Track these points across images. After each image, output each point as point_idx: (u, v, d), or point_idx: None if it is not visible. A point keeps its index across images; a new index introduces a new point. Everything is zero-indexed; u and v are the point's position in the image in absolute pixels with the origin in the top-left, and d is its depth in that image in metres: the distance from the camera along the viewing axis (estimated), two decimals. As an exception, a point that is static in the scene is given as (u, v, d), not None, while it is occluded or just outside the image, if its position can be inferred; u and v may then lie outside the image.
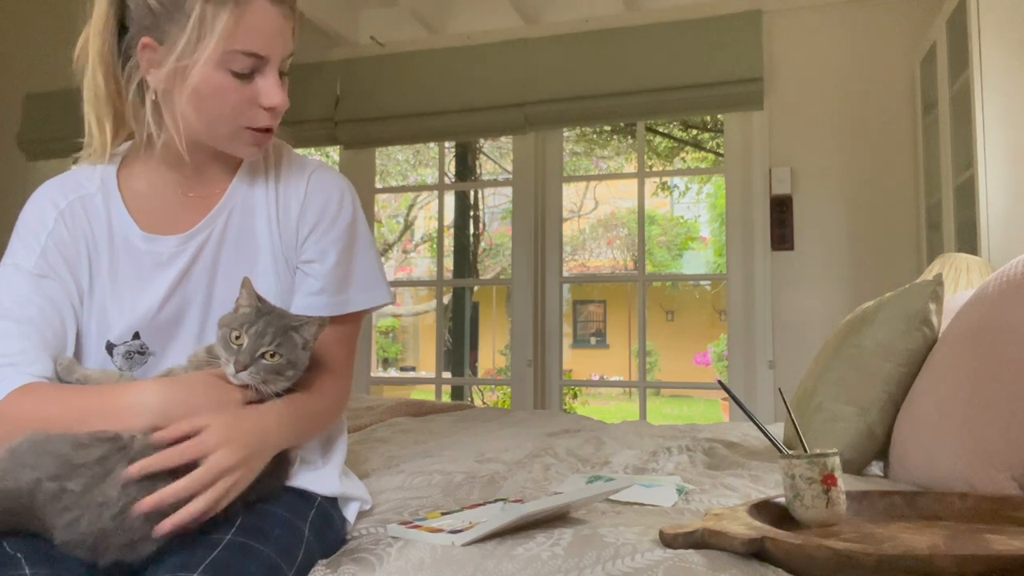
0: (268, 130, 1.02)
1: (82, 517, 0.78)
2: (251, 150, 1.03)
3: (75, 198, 1.03)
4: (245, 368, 0.91)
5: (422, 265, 12.47)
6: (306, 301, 1.06)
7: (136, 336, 1.01)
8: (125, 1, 0.97)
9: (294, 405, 0.97)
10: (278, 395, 0.95)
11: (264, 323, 0.93)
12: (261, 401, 0.94)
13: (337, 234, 1.08)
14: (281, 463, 0.99)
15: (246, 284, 0.96)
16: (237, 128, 0.99)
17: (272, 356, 0.92)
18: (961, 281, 2.09)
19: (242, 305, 0.96)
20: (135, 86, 0.98)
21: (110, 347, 1.01)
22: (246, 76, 0.96)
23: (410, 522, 1.02)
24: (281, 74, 1.01)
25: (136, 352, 1.01)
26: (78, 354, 1.01)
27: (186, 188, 1.06)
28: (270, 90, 0.98)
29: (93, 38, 0.99)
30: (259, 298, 0.96)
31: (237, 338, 0.92)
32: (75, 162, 1.08)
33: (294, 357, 0.94)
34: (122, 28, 0.99)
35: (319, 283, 1.06)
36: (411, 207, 11.33)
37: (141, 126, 1.01)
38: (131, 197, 1.05)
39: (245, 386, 0.93)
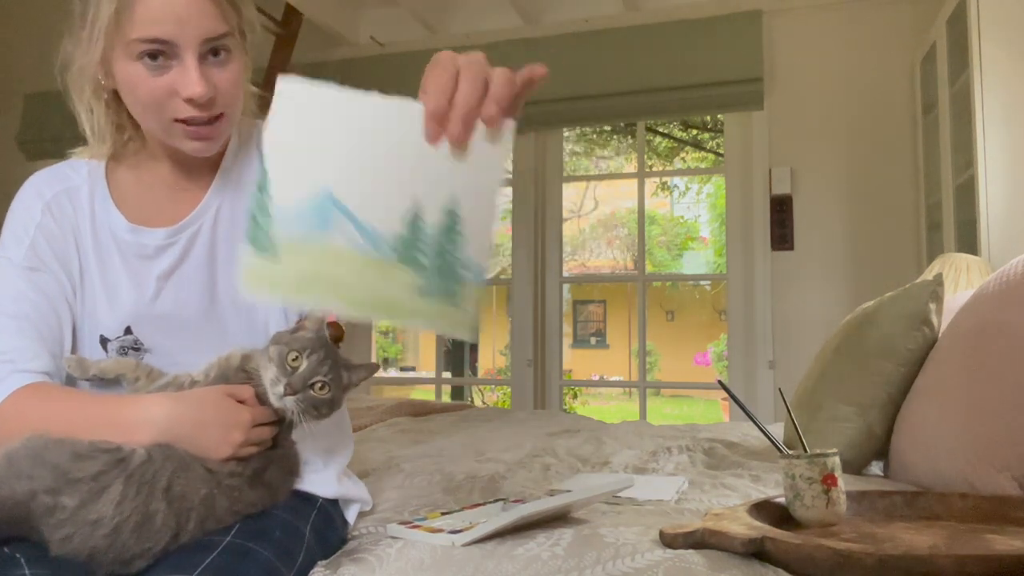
0: (208, 122, 0.93)
1: (75, 534, 0.77)
2: (192, 145, 0.95)
3: (61, 189, 1.02)
4: (295, 393, 0.90)
5: (422, 265, 12.44)
6: None
7: (128, 331, 0.99)
8: None
9: None
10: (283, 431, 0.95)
11: (324, 353, 0.91)
12: (271, 423, 0.93)
13: None
14: (290, 469, 0.99)
15: (326, 314, 0.95)
16: (165, 122, 0.93)
17: (322, 388, 0.91)
18: (961, 281, 2.09)
19: (306, 327, 0.94)
20: (94, 88, 0.97)
21: (104, 341, 1.00)
22: (160, 65, 0.90)
23: (410, 522, 1.01)
24: (218, 56, 0.92)
25: (130, 347, 0.99)
26: (74, 348, 0.99)
27: (173, 181, 1.04)
28: (185, 79, 0.90)
29: (70, 47, 1.00)
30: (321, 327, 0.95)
31: (295, 359, 0.90)
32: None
33: (337, 396, 0.93)
34: None
35: None
36: (411, 207, 11.31)
37: (106, 124, 1.00)
38: (118, 188, 1.03)
39: (274, 416, 0.93)
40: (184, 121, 0.93)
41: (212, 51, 0.92)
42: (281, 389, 0.90)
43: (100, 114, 0.99)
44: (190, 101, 0.91)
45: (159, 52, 0.89)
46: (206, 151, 0.97)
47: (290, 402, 0.90)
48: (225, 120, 0.96)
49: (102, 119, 1.00)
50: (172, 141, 0.96)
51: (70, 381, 0.99)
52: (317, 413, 0.92)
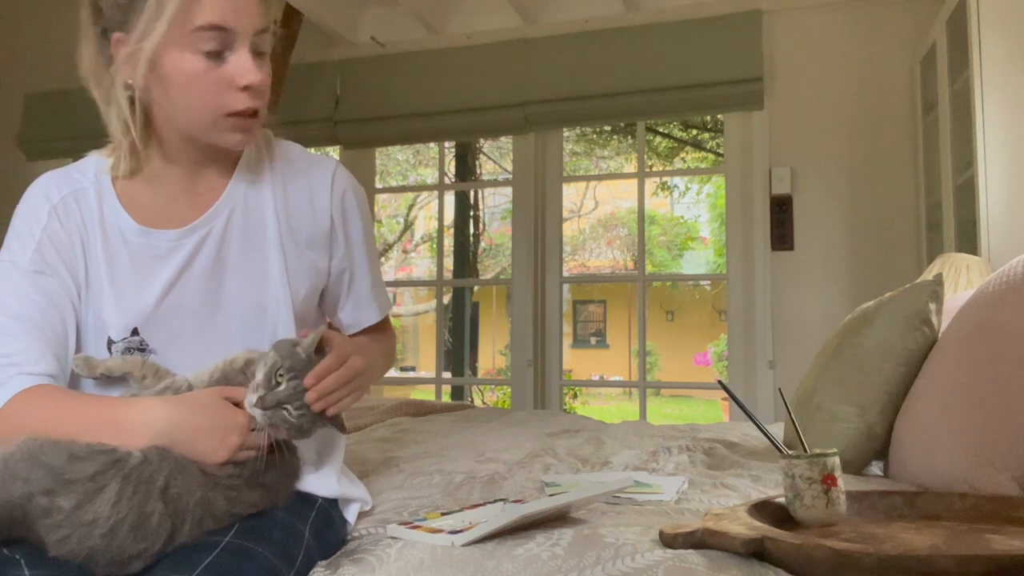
0: (253, 115, 0.98)
1: (72, 535, 0.78)
2: (236, 138, 0.99)
3: (68, 192, 1.02)
4: (264, 409, 0.90)
5: (422, 265, 12.46)
6: (363, 310, 1.17)
7: (135, 332, 1.00)
8: (100, 6, 0.97)
9: (380, 345, 1.16)
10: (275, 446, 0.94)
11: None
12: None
13: (371, 244, 1.16)
14: (292, 468, 0.99)
15: (321, 333, 0.96)
16: (217, 116, 0.96)
17: (292, 414, 0.91)
18: (961, 281, 2.09)
19: (306, 347, 0.94)
20: (118, 89, 0.97)
21: (109, 343, 1.00)
22: (217, 56, 0.93)
23: (410, 522, 1.01)
24: (259, 53, 0.97)
25: (136, 349, 1.00)
26: (78, 350, 0.99)
27: (183, 184, 1.04)
28: (244, 67, 0.94)
29: (83, 50, 0.99)
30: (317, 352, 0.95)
31: (280, 376, 0.91)
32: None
33: (305, 426, 0.93)
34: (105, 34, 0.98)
35: (371, 291, 1.16)
36: (411, 207, 11.33)
37: (132, 126, 0.99)
38: (125, 191, 1.04)
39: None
40: (236, 114, 0.96)
41: (255, 51, 0.96)
42: (254, 399, 0.91)
43: (125, 110, 0.98)
44: (247, 89, 0.95)
45: (218, 45, 0.93)
46: (245, 143, 1.01)
47: (258, 414, 0.91)
48: (260, 116, 0.99)
49: (127, 115, 0.98)
50: (215, 135, 0.98)
51: (74, 382, 0.99)
52: (287, 431, 0.92)
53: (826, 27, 3.28)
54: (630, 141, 8.88)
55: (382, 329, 1.22)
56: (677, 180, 10.85)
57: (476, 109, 3.60)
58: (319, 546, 0.98)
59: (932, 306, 1.47)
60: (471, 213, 8.71)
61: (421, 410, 2.56)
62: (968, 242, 2.49)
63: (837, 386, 1.51)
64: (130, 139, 1.00)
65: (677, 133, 8.97)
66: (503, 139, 7.91)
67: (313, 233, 1.09)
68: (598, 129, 8.78)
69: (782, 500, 0.98)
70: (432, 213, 11.25)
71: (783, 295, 3.27)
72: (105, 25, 0.96)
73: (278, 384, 0.91)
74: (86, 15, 0.98)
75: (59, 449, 0.81)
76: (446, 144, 5.43)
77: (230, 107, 0.96)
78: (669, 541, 0.86)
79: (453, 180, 8.24)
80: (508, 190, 3.92)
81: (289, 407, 0.91)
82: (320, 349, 0.95)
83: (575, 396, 9.58)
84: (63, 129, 3.75)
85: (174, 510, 0.83)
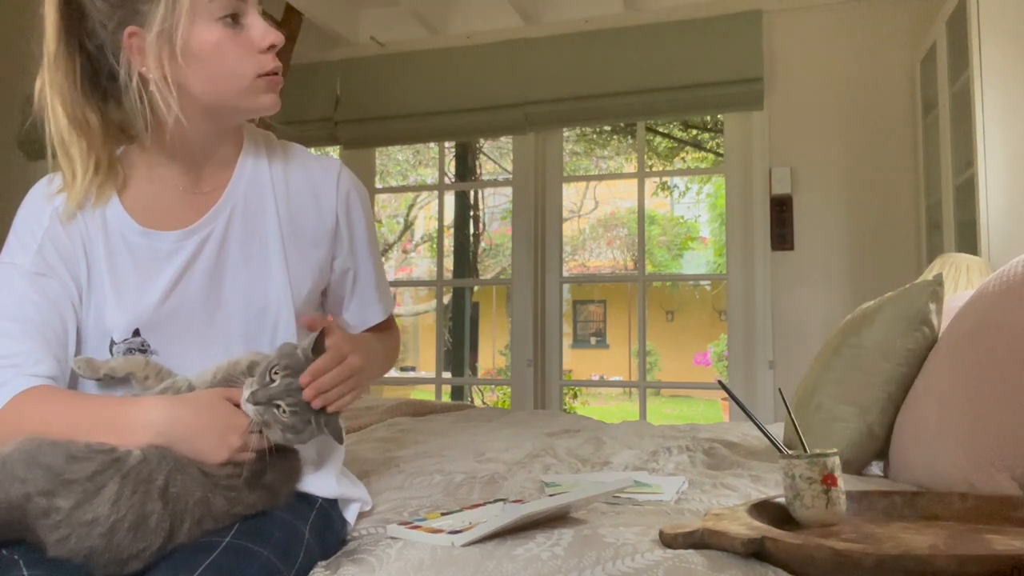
0: (276, 73, 1.01)
1: (71, 535, 0.78)
2: (270, 99, 1.01)
3: None
4: (256, 404, 0.91)
5: (422, 265, 12.45)
6: (368, 309, 1.18)
7: (136, 333, 1.00)
8: (83, 20, 0.97)
9: (383, 343, 1.18)
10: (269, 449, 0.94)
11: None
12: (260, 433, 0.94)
13: (375, 243, 1.17)
14: (293, 469, 0.99)
15: (325, 334, 0.96)
16: (250, 79, 0.98)
17: (284, 411, 0.91)
18: (961, 281, 2.09)
19: (304, 349, 0.95)
20: (135, 85, 0.96)
21: (111, 345, 1.00)
22: (234, 23, 0.96)
23: (410, 522, 1.01)
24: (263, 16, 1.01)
25: (137, 349, 0.99)
26: (79, 352, 0.99)
27: (184, 183, 1.04)
28: (262, 29, 0.98)
29: (50, 73, 1.00)
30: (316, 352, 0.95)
31: (274, 373, 0.92)
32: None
33: (299, 427, 0.93)
34: (85, 55, 0.99)
35: (375, 290, 1.18)
36: (411, 207, 11.32)
37: (139, 123, 0.98)
38: (127, 192, 1.03)
39: None
40: (267, 74, 0.99)
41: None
42: (247, 394, 0.91)
43: (137, 105, 0.97)
44: (271, 48, 0.98)
45: (233, 9, 0.95)
46: (277, 105, 1.03)
47: (250, 408, 0.91)
48: (282, 77, 1.03)
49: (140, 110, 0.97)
50: (250, 101, 1.00)
51: (75, 383, 0.99)
52: (277, 431, 0.92)
53: (826, 27, 3.28)
54: (630, 141, 8.88)
55: (386, 327, 1.22)
56: (677, 180, 10.85)
57: (476, 109, 3.60)
58: (319, 546, 0.98)
59: (932, 306, 1.47)
60: (471, 213, 8.71)
61: (421, 410, 2.56)
62: (968, 242, 2.49)
63: (837, 386, 1.51)
64: (93, 163, 0.99)
65: (677, 133, 8.97)
66: (503, 139, 7.91)
67: (317, 231, 1.09)
68: (598, 129, 8.78)
69: (782, 500, 0.98)
70: (432, 213, 11.25)
71: (783, 295, 3.27)
72: (106, 30, 0.95)
73: (272, 381, 0.91)
74: (53, 38, 0.99)
75: (57, 449, 0.81)
76: (446, 144, 5.43)
77: (261, 68, 0.98)
78: (669, 541, 0.86)
79: (453, 180, 8.24)
80: (508, 190, 3.92)
81: (281, 403, 0.91)
82: (320, 349, 0.95)
83: (575, 396, 9.58)
84: (63, 129, 3.74)
85: (173, 510, 0.83)
